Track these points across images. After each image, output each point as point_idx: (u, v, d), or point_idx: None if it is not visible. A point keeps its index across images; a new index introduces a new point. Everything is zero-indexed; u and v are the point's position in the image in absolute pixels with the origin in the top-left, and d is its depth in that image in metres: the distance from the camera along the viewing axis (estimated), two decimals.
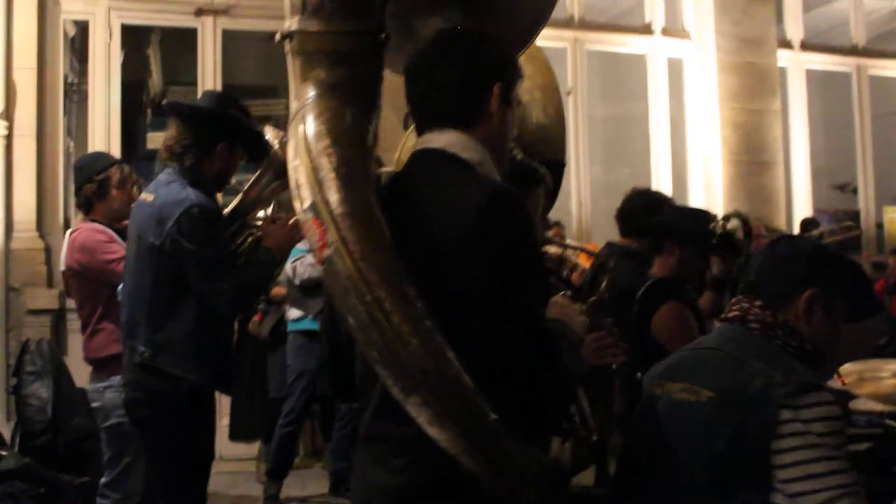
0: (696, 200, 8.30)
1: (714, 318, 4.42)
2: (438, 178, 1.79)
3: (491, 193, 1.72)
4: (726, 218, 5.14)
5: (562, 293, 2.22)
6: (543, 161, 2.84)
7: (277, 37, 1.78)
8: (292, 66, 1.80)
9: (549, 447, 2.06)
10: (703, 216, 4.10)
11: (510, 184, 1.90)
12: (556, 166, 2.99)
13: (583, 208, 7.92)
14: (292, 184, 1.71)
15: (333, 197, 1.64)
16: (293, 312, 5.80)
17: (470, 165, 1.81)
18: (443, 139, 1.85)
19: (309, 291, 5.58)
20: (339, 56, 1.77)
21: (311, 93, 1.77)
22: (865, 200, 9.32)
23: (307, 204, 1.66)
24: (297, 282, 5.66)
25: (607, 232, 4.67)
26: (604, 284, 2.73)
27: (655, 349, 3.26)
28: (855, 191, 9.65)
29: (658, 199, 4.66)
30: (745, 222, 6.56)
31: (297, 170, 1.70)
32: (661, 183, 8.18)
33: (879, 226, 9.39)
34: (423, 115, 1.91)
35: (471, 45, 1.88)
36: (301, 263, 5.55)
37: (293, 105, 1.79)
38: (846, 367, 3.24)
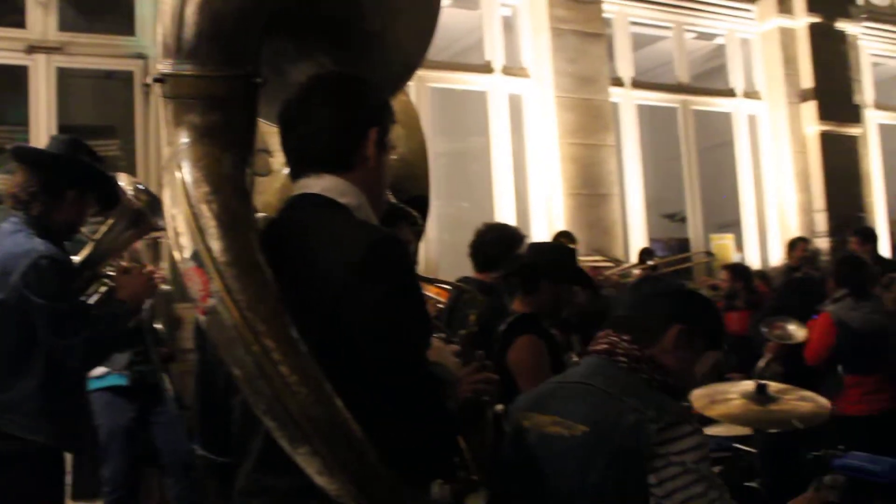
0: (538, 233, 8.53)
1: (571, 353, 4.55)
2: (318, 224, 1.78)
3: (374, 239, 1.72)
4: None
5: (438, 335, 2.25)
6: (410, 198, 2.86)
7: (149, 80, 1.75)
8: (164, 111, 1.76)
9: (429, 490, 2.06)
10: (568, 251, 4.22)
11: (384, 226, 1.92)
12: (422, 202, 3.03)
13: (429, 244, 7.99)
14: (170, 232, 1.67)
15: (216, 245, 1.61)
16: (96, 370, 5.43)
17: (348, 210, 1.81)
18: (320, 184, 1.84)
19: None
20: (214, 100, 1.75)
21: (184, 138, 1.74)
22: (694, 228, 9.82)
23: (188, 253, 1.63)
24: None
25: (453, 266, 4.73)
26: (472, 317, 2.77)
27: (513, 386, 3.31)
28: (684, 219, 10.16)
29: (512, 233, 4.75)
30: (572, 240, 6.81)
31: (176, 218, 1.67)
32: (505, 216, 8.36)
33: (708, 253, 9.91)
34: (299, 161, 1.90)
35: (346, 89, 1.89)
36: None
37: (166, 151, 1.75)
38: (696, 393, 3.40)
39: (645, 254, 7.49)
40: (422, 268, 7.82)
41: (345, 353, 1.65)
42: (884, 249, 10.81)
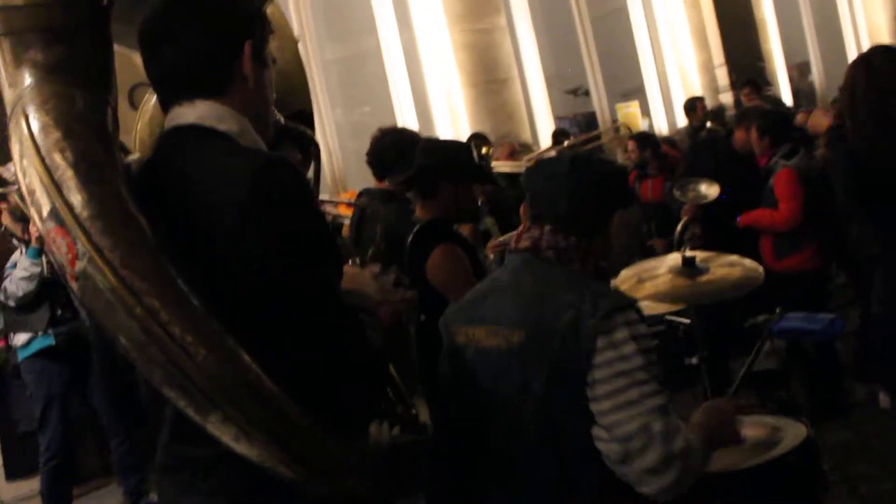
0: (441, 127, 8.37)
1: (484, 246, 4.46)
2: (198, 158, 1.58)
3: (260, 165, 1.53)
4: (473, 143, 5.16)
5: (351, 261, 2.11)
6: (292, 113, 2.68)
7: None
8: (1, 51, 1.54)
9: (366, 433, 1.94)
10: (465, 148, 4.08)
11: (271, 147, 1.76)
12: (306, 116, 2.84)
13: (332, 156, 7.79)
14: (24, 191, 1.46)
15: (76, 198, 1.40)
16: (20, 338, 5.18)
17: (230, 137, 1.61)
18: (194, 112, 1.63)
19: (29, 308, 5.04)
20: (56, 32, 1.51)
21: (28, 79, 1.51)
22: (599, 100, 9.79)
23: (46, 211, 1.41)
24: (11, 303, 5.01)
25: (361, 175, 4.57)
26: (378, 233, 2.64)
27: (433, 296, 3.21)
28: (587, 93, 10.11)
29: (407, 136, 4.59)
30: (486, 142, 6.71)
31: (27, 173, 1.44)
32: (406, 115, 8.20)
33: (615, 122, 9.92)
34: (167, 88, 1.68)
35: (212, 1, 1.67)
36: (10, 281, 4.93)
37: (8, 95, 1.53)
38: (622, 274, 3.34)
39: (559, 134, 7.43)
40: (328, 181, 7.65)
41: (245, 300, 1.48)
42: (784, 95, 11.00)
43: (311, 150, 2.39)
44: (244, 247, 1.47)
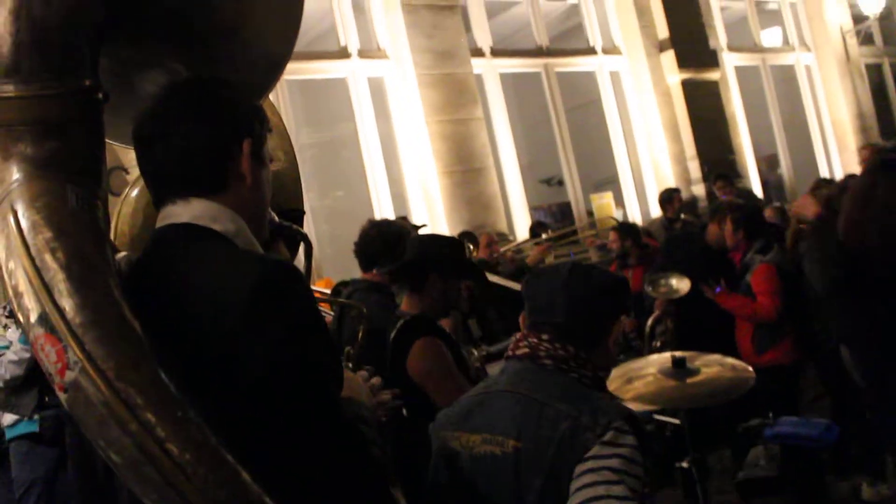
0: (418, 215, 8.36)
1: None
2: (194, 260, 1.50)
3: (262, 271, 1.44)
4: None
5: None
6: (282, 211, 2.61)
7: None
8: None
9: None
10: (456, 242, 4.04)
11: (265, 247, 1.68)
12: (297, 215, 2.78)
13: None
14: (10, 294, 1.36)
15: (69, 303, 1.30)
16: (6, 418, 5.06)
17: (226, 238, 1.54)
18: (189, 211, 1.55)
19: (18, 390, 4.88)
20: (49, 125, 1.43)
21: (16, 174, 1.43)
22: (573, 191, 9.83)
23: (34, 316, 1.31)
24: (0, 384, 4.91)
25: (336, 259, 4.50)
26: (360, 333, 2.57)
27: (414, 391, 3.13)
28: (561, 182, 10.17)
29: (395, 228, 4.56)
30: (472, 241, 6.70)
31: (14, 274, 1.35)
32: (382, 203, 8.17)
33: (590, 213, 9.97)
34: (162, 185, 1.59)
35: (211, 98, 1.60)
36: (0, 363, 4.83)
37: None
38: (612, 372, 3.28)
39: (537, 227, 7.43)
40: (304, 265, 7.55)
41: (245, 414, 1.38)
42: (754, 187, 11.15)
43: (304, 249, 2.32)
44: (243, 356, 1.38)
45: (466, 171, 8.48)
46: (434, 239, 4.21)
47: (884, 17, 13.58)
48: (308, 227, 7.50)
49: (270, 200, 1.80)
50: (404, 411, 2.80)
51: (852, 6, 13.10)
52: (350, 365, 2.23)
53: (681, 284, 5.48)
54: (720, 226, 5.87)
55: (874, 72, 14.04)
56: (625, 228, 7.52)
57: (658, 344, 5.50)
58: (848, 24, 13.06)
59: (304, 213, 2.84)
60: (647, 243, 7.56)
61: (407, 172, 8.47)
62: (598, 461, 1.85)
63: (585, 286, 2.12)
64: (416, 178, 8.41)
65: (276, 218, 1.93)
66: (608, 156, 10.39)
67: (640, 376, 3.23)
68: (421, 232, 6.88)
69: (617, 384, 3.20)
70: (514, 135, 9.41)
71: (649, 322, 5.62)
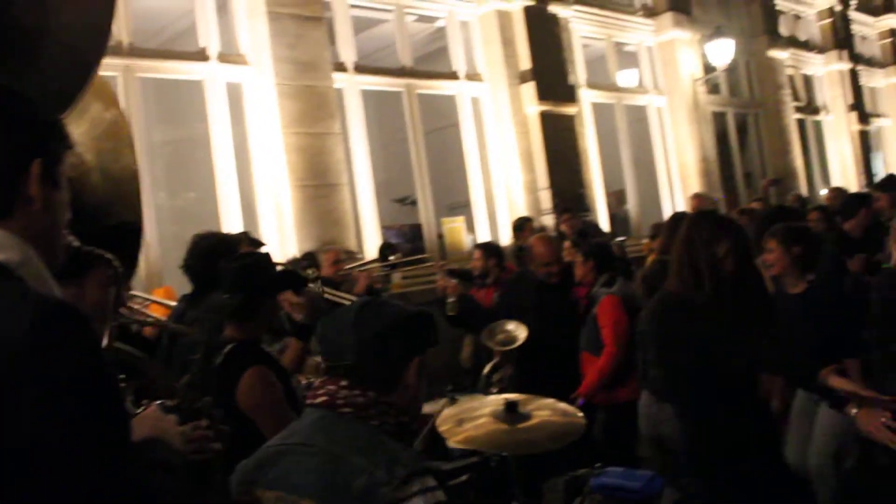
0: (267, 227, 8.19)
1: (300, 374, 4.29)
2: None
3: (37, 313, 1.28)
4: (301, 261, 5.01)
5: (156, 403, 1.91)
6: (112, 226, 2.46)
7: None
8: None
9: None
10: (265, 257, 3.94)
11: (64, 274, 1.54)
12: (133, 230, 2.63)
13: (149, 248, 7.41)
14: None
15: None
16: None
17: (7, 269, 1.38)
18: None
19: None
20: None
21: None
22: (426, 213, 9.85)
23: None
24: None
25: (179, 263, 4.30)
26: (197, 362, 2.43)
27: (243, 422, 3.02)
28: (414, 202, 10.17)
29: (226, 243, 4.39)
30: (314, 262, 6.57)
31: None
32: (231, 209, 7.96)
33: (440, 236, 10.00)
34: None
35: None
36: None
37: None
38: (445, 413, 3.24)
39: (386, 248, 7.34)
40: (142, 273, 7.28)
41: (10, 478, 1.21)
42: (602, 221, 11.45)
43: (117, 274, 2.19)
44: (9, 412, 1.22)
45: (319, 185, 8.36)
46: (251, 263, 4.10)
47: (730, 69, 14.23)
48: (153, 229, 7.25)
49: (104, 210, 1.66)
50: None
51: (703, 56, 13.66)
52: (177, 399, 2.08)
53: (518, 331, 5.50)
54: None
55: (719, 119, 14.71)
56: (490, 248, 7.55)
57: (495, 391, 5.51)
58: (698, 72, 13.61)
59: (140, 226, 2.67)
60: (507, 266, 7.65)
61: (258, 182, 8.28)
62: None
63: (375, 323, 2.03)
64: (267, 188, 8.23)
65: (77, 243, 1.79)
66: (463, 180, 10.46)
67: (472, 418, 3.20)
68: (258, 251, 6.72)
69: (448, 425, 3.16)
70: (372, 152, 9.34)
71: (486, 369, 5.63)
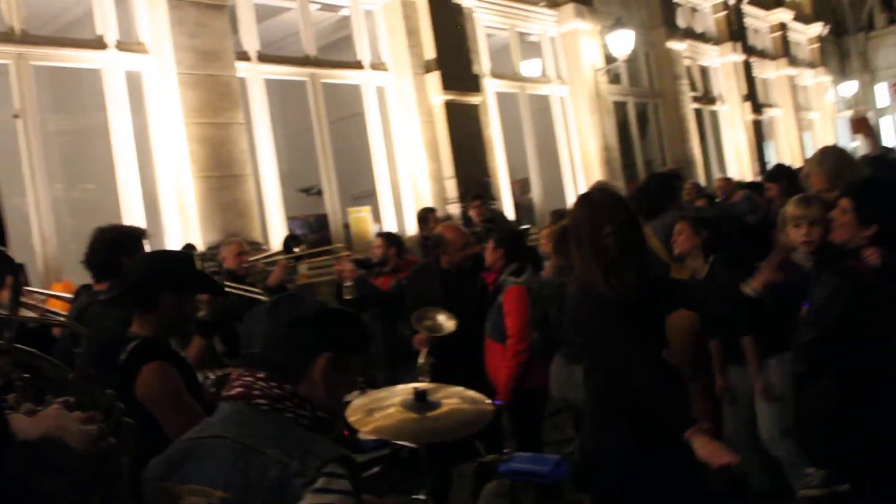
0: (170, 218, 8.07)
1: (207, 369, 4.26)
2: None
3: None
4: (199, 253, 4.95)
5: (58, 401, 1.89)
6: None
7: None
8: None
9: None
10: (186, 256, 3.90)
11: None
12: None
13: (45, 240, 7.23)
14: None
15: None
16: None
17: None
18: None
19: None
20: None
21: None
22: (332, 203, 9.81)
23: None
24: None
25: (79, 255, 4.21)
26: (82, 354, 2.40)
27: (146, 419, 3.00)
28: (320, 192, 10.12)
29: (128, 235, 4.32)
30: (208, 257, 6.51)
31: None
32: (132, 200, 7.81)
33: (346, 226, 9.98)
34: None
35: None
36: None
37: None
38: (355, 403, 3.26)
39: (290, 240, 7.29)
40: (39, 268, 7.09)
41: None
42: (507, 209, 11.60)
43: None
44: None
45: (223, 176, 8.26)
46: (161, 255, 4.05)
47: (630, 60, 14.55)
48: (49, 222, 7.06)
49: None
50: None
51: (604, 47, 13.92)
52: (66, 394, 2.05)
53: (448, 323, 5.54)
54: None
55: (620, 108, 15.03)
56: (391, 238, 7.60)
57: (428, 379, 5.54)
58: (600, 62, 13.87)
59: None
60: (408, 258, 7.69)
61: (160, 173, 8.14)
62: None
63: (287, 315, 2.06)
64: (169, 179, 8.10)
65: None
66: (368, 170, 10.46)
67: (382, 408, 3.20)
68: (189, 251, 6.63)
69: (358, 416, 3.16)
70: (276, 142, 9.27)
71: (421, 357, 5.66)
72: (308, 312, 2.10)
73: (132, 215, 7.73)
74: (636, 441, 3.25)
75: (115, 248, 4.11)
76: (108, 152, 7.97)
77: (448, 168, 10.74)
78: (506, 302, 5.54)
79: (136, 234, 4.34)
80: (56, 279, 6.94)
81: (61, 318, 3.92)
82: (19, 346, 2.31)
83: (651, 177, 8.88)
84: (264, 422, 1.99)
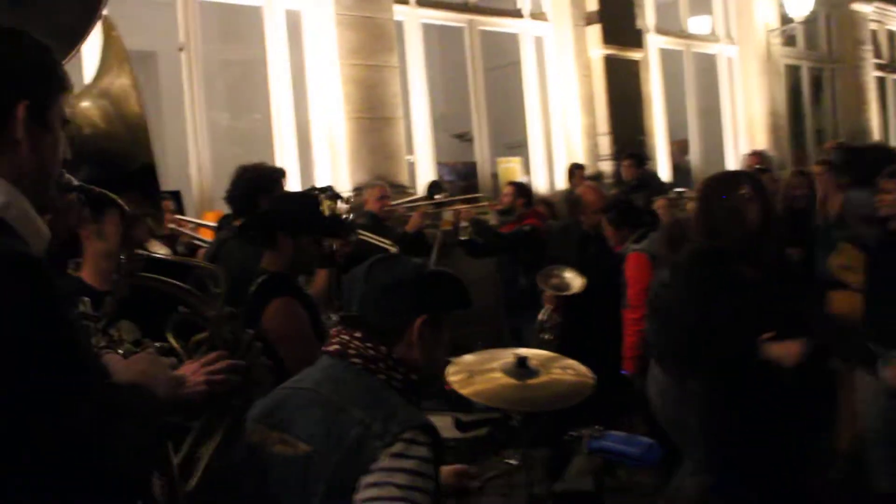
0: (320, 156, 8.20)
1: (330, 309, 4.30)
2: None
3: None
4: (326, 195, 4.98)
5: (152, 346, 1.92)
6: (129, 172, 2.50)
7: None
8: None
9: None
10: (312, 200, 3.94)
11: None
12: (148, 171, 2.66)
13: (202, 171, 7.49)
14: None
15: None
16: None
17: None
18: None
19: None
20: None
21: None
22: (481, 151, 9.76)
23: None
24: None
25: None
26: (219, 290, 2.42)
27: (272, 353, 3.05)
28: (472, 140, 10.06)
29: (267, 174, 4.43)
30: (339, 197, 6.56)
31: None
32: (285, 136, 7.97)
33: (494, 175, 9.91)
34: None
35: None
36: None
37: None
38: (459, 362, 3.23)
39: (433, 187, 7.29)
40: (194, 197, 7.36)
41: None
42: (662, 171, 11.25)
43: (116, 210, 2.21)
44: None
45: (375, 118, 8.31)
46: (285, 196, 4.11)
47: (809, 21, 13.74)
48: (205, 151, 7.30)
49: (123, 155, 1.66)
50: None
51: (780, 6, 13.20)
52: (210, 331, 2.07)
53: (575, 281, 5.41)
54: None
55: (792, 73, 14.25)
56: (521, 188, 7.49)
57: (547, 337, 5.46)
58: (774, 23, 13.17)
59: (154, 169, 2.68)
60: (537, 210, 7.56)
61: (314, 111, 8.26)
62: (384, 475, 1.81)
63: (384, 276, 2.05)
64: (322, 118, 8.21)
65: (74, 182, 1.80)
66: (521, 120, 10.34)
67: (483, 371, 3.19)
68: (324, 194, 6.71)
69: (459, 377, 3.16)
70: (430, 87, 9.25)
71: (540, 315, 5.57)
72: (404, 275, 2.08)
73: (285, 151, 7.90)
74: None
75: (254, 186, 4.22)
76: (265, 87, 8.15)
77: (603, 124, 10.48)
78: (626, 269, 5.33)
79: (274, 175, 4.46)
80: (209, 208, 7.18)
81: (195, 261, 4.02)
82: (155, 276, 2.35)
83: (870, 146, 8.37)
84: (355, 381, 2.00)
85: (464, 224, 6.29)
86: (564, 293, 5.27)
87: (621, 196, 7.10)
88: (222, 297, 2.10)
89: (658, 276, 4.30)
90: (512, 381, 3.04)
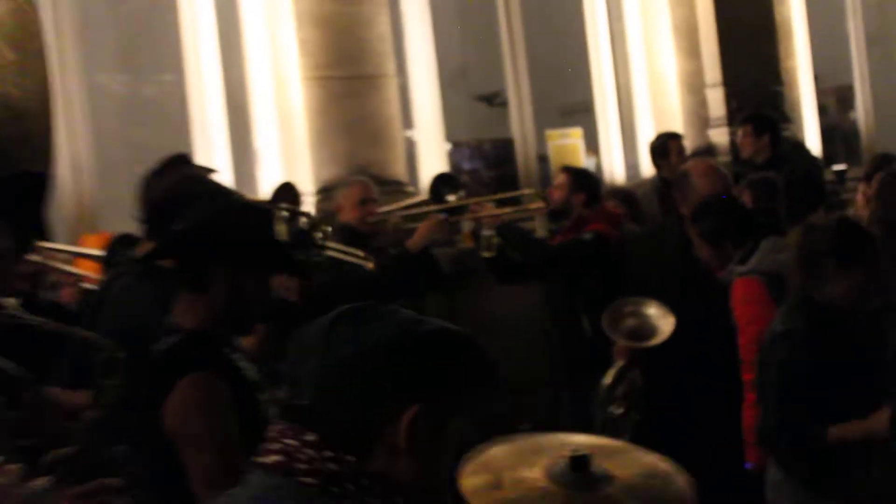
0: (265, 141, 8.27)
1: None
2: None
3: None
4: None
5: None
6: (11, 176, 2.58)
7: None
8: None
9: None
10: (260, 213, 3.97)
11: None
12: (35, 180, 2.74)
13: (79, 169, 7.58)
14: None
15: None
16: None
17: None
18: None
19: None
20: None
21: None
22: (521, 121, 9.78)
23: None
24: None
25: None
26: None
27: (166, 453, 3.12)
28: (505, 104, 10.07)
29: (196, 178, 4.47)
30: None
31: None
32: (208, 111, 8.05)
33: (542, 158, 9.91)
34: None
35: None
36: None
37: None
38: (477, 460, 3.24)
39: (441, 183, 7.24)
40: (72, 211, 7.45)
41: None
42: (811, 137, 11.21)
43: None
44: None
45: (350, 77, 8.35)
46: (218, 207, 4.10)
47: None
48: (86, 131, 7.40)
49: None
50: None
51: None
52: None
53: (664, 322, 5.38)
54: None
55: None
56: (580, 177, 7.27)
57: (620, 411, 5.45)
58: None
59: (42, 176, 2.75)
60: (608, 208, 7.41)
61: (252, 70, 8.36)
62: None
63: (352, 342, 1.93)
64: (265, 79, 8.30)
65: None
66: (581, 73, 10.39)
67: (518, 478, 3.16)
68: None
69: (480, 481, 3.14)
70: (435, 27, 9.33)
71: (608, 376, 5.54)
72: (384, 339, 1.98)
73: (208, 133, 7.98)
74: None
75: (176, 193, 4.25)
76: (175, 37, 8.23)
77: (713, 70, 10.52)
78: (734, 304, 5.26)
79: (204, 177, 4.51)
80: (90, 228, 7.24)
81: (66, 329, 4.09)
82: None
83: None
84: None
85: (487, 233, 6.30)
86: (645, 344, 5.27)
87: (752, 180, 7.07)
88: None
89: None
90: (560, 490, 3.01)
